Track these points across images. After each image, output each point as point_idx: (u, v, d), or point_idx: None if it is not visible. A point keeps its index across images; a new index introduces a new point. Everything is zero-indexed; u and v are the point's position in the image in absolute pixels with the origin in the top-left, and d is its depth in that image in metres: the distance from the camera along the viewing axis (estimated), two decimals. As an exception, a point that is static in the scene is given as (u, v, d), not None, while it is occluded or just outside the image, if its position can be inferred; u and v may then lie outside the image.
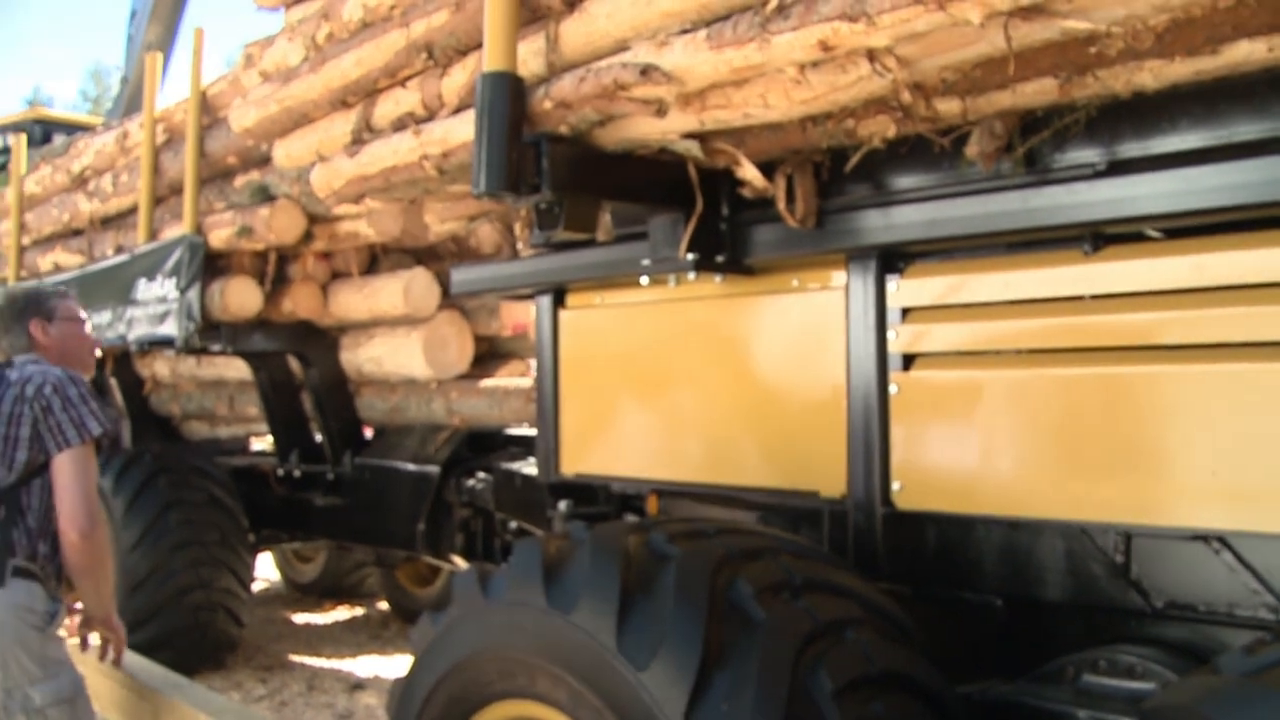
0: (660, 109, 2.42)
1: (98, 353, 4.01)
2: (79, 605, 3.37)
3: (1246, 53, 1.86)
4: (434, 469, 5.99)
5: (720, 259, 2.92)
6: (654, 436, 3.32)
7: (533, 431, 5.82)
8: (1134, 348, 2.31)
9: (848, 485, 2.80)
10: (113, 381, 8.20)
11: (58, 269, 7.82)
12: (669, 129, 2.54)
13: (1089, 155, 2.28)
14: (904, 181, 2.62)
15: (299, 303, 6.28)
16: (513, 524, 5.24)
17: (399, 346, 6.13)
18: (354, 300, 6.24)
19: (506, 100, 2.56)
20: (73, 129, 9.78)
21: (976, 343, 2.57)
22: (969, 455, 2.57)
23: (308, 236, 5.89)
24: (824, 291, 2.88)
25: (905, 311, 2.70)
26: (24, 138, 8.94)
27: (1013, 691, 2.38)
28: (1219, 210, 2.09)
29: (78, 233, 7.79)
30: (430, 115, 3.02)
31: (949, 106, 2.24)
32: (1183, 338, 2.24)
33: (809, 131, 2.50)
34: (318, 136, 3.51)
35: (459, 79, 2.90)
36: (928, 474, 2.66)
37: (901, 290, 2.70)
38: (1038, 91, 2.12)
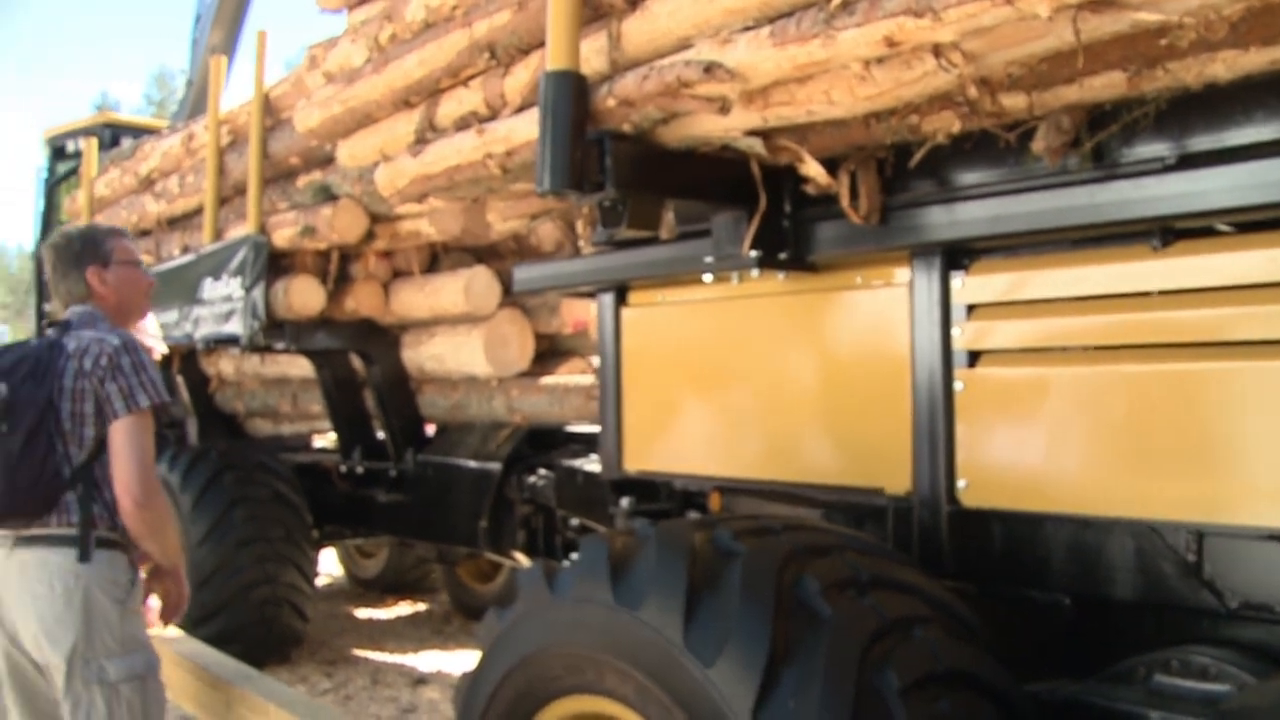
0: (723, 106, 2.42)
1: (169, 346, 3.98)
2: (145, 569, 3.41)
3: (1325, 42, 1.83)
4: (496, 466, 6.02)
5: (783, 256, 2.92)
6: (717, 433, 3.32)
7: (594, 428, 5.84)
8: (1205, 344, 2.28)
9: (912, 482, 2.78)
10: (179, 379, 8.32)
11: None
12: (732, 126, 2.54)
13: (1158, 149, 2.25)
14: (969, 177, 2.60)
15: (361, 301, 6.35)
16: (574, 521, 5.26)
17: (460, 344, 6.17)
18: (415, 298, 6.29)
19: (570, 99, 2.57)
20: (140, 132, 9.92)
21: (1043, 339, 2.55)
22: (1036, 452, 2.55)
23: (370, 235, 5.94)
24: (888, 288, 2.87)
25: (970, 308, 2.68)
26: (94, 142, 9.08)
27: (1082, 691, 2.35)
28: (1293, 204, 2.06)
29: (145, 233, 7.90)
30: (493, 114, 3.04)
31: (1015, 101, 2.22)
32: (1255, 333, 2.20)
33: (872, 128, 2.49)
34: (381, 136, 3.54)
35: (521, 78, 2.92)
36: (994, 471, 2.64)
37: (966, 287, 2.68)
38: (1106, 85, 2.10)
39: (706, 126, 2.58)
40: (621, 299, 3.64)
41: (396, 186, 3.44)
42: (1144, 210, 2.24)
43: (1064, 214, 2.36)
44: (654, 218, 2.84)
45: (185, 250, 7.26)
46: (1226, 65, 1.95)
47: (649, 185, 2.77)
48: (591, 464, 5.00)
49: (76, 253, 3.37)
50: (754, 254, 2.86)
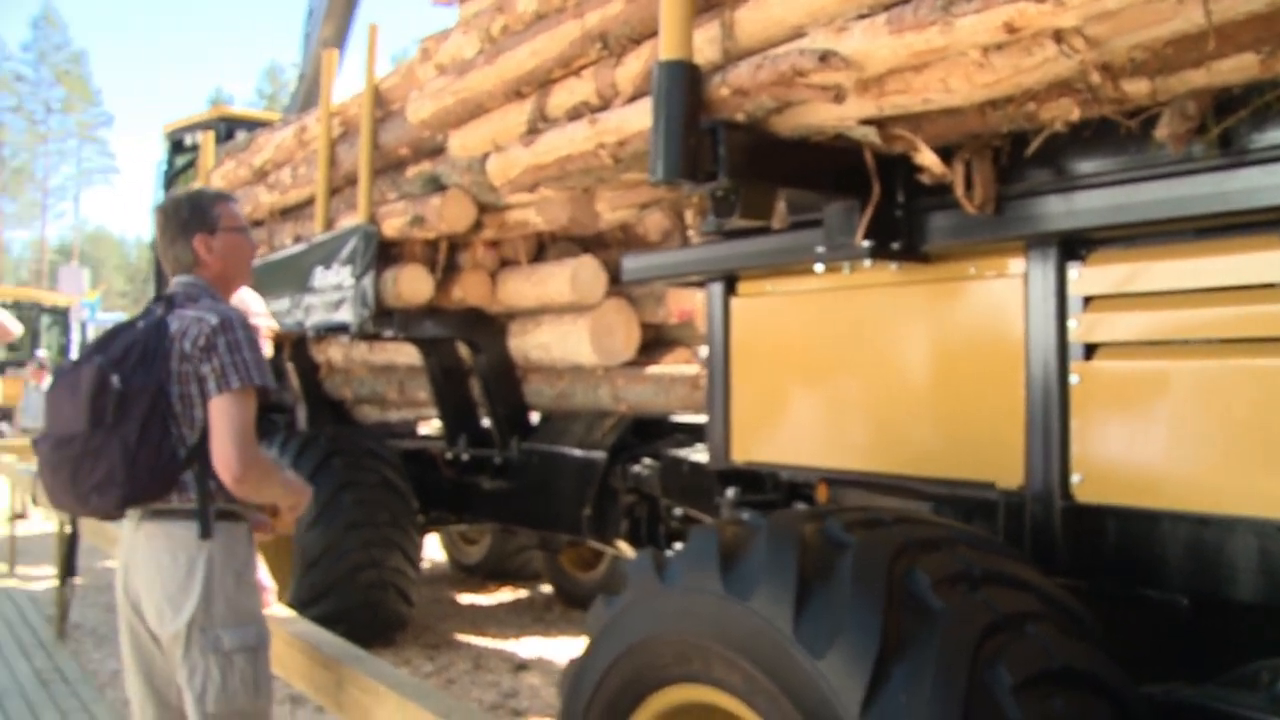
0: (838, 95, 2.40)
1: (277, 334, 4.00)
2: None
3: None
4: (600, 455, 6.05)
5: (896, 246, 2.88)
6: (825, 424, 3.31)
7: (698, 418, 5.83)
8: (1337, 337, 2.21)
9: (1025, 476, 2.74)
10: (289, 366, 8.49)
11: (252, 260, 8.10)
12: (846, 115, 2.52)
13: (1291, 134, 2.18)
14: (1087, 166, 2.54)
15: (469, 290, 6.41)
16: (677, 510, 5.26)
17: (566, 333, 6.20)
18: (522, 288, 6.34)
19: (683, 88, 2.57)
20: (253, 125, 10.13)
21: (1163, 332, 2.49)
22: (1154, 448, 2.49)
23: (478, 225, 5.99)
24: (1002, 279, 2.82)
25: (1087, 300, 2.63)
26: (211, 135, 9.29)
27: (1200, 695, 2.30)
28: None
29: (258, 224, 8.06)
30: (605, 104, 3.05)
31: (1137, 87, 2.17)
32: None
33: (988, 116, 2.45)
34: (493, 127, 3.57)
35: (633, 68, 2.92)
36: (1110, 466, 2.59)
37: (1084, 278, 2.63)
38: (1236, 68, 2.03)
39: (820, 115, 2.56)
40: (731, 289, 3.63)
41: (508, 176, 3.47)
42: (1274, 198, 2.17)
43: (1188, 202, 2.30)
44: (766, 207, 2.82)
45: (297, 240, 7.40)
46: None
47: (762, 174, 2.76)
48: (697, 454, 5.00)
49: (184, 220, 3.38)
50: (867, 244, 2.83)
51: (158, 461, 3.07)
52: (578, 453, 6.26)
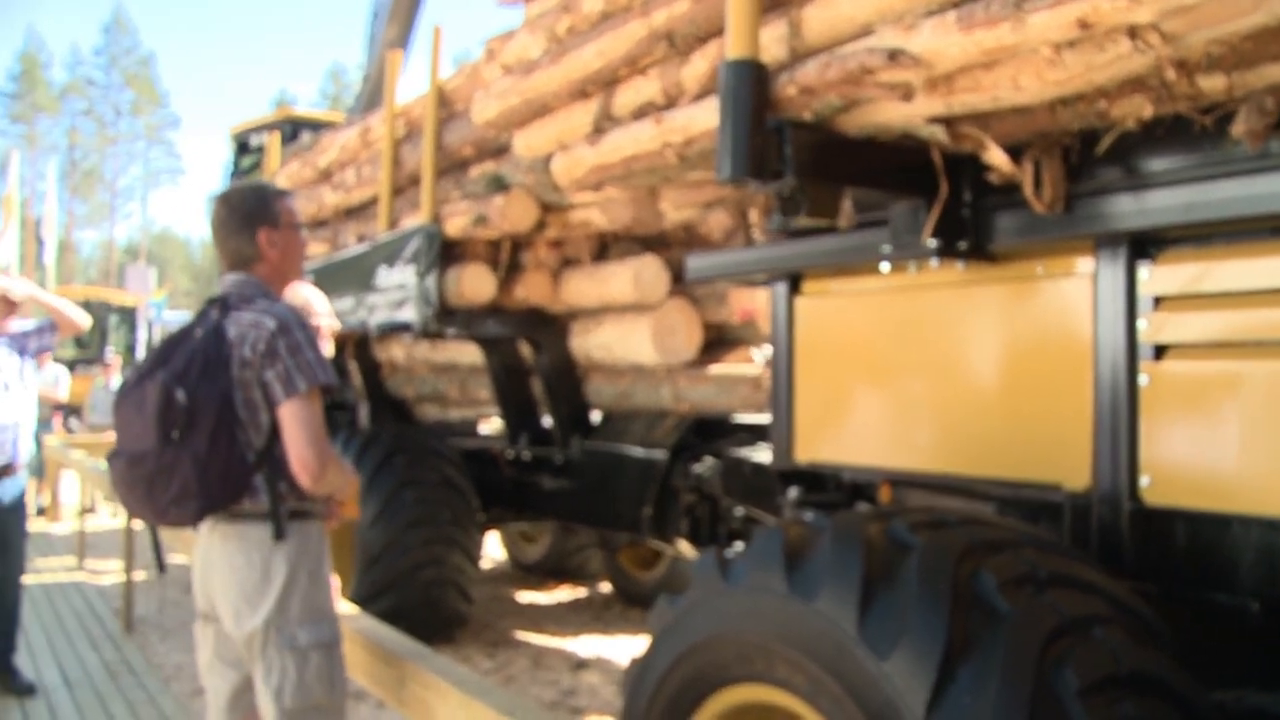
0: (907, 93, 2.39)
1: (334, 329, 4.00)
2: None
3: None
4: (661, 454, 6.05)
5: (963, 246, 2.86)
6: (889, 425, 3.29)
7: (760, 418, 5.82)
8: None
9: (1092, 478, 2.71)
10: (352, 365, 8.56)
11: (305, 256, 8.16)
12: (914, 113, 2.51)
13: (1373, 130, 2.15)
14: (1159, 164, 2.51)
15: (531, 289, 6.44)
16: (738, 510, 5.25)
17: (628, 333, 6.21)
18: (585, 287, 6.35)
19: (750, 87, 2.57)
20: (317, 126, 10.25)
21: (1236, 332, 2.45)
22: (1226, 450, 2.45)
23: (540, 225, 6.01)
24: (1070, 279, 2.79)
25: (1158, 300, 2.59)
26: (277, 136, 9.40)
27: (1273, 702, 2.27)
28: None
29: (322, 223, 8.15)
30: (670, 103, 3.05)
31: (1213, 83, 2.14)
32: None
33: (1058, 114, 2.43)
34: (558, 126, 3.58)
35: (699, 67, 2.93)
36: (1180, 469, 2.55)
37: (1154, 277, 2.60)
38: (1317, 63, 2.01)
39: (888, 114, 2.55)
40: (795, 288, 3.62)
41: (573, 176, 3.48)
42: (1353, 197, 2.14)
43: (1265, 200, 2.26)
44: (833, 206, 2.81)
45: (361, 239, 7.46)
46: None
47: (828, 173, 2.75)
48: (758, 453, 4.99)
49: (249, 212, 3.37)
50: (933, 243, 2.81)
51: (229, 470, 3.09)
52: (639, 452, 6.26)
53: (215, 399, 3.07)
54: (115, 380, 14.89)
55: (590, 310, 6.53)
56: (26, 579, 6.09)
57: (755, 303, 6.01)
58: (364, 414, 8.75)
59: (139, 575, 8.36)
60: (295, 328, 3.20)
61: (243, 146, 11.38)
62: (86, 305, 22.39)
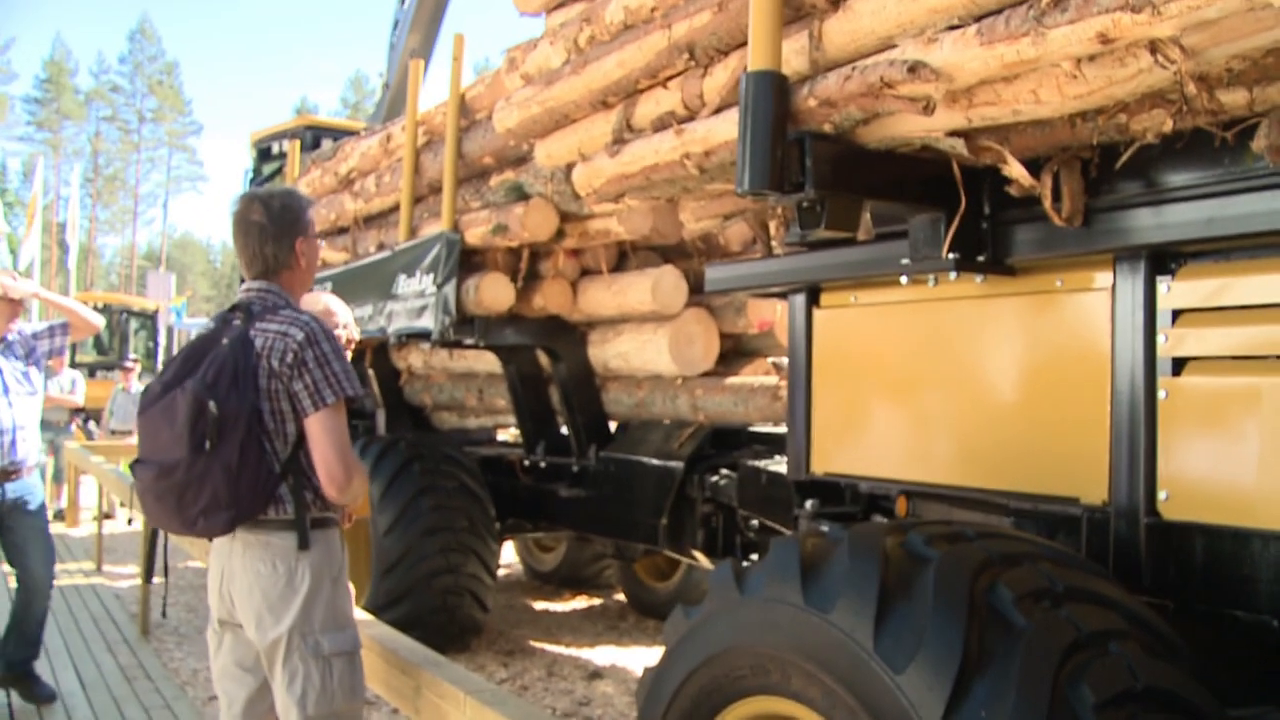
0: (927, 106, 2.39)
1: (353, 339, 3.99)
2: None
3: None
4: (678, 464, 6.04)
5: (982, 259, 2.87)
6: (907, 437, 3.29)
7: (777, 429, 5.81)
8: None
9: (1110, 492, 2.71)
10: (370, 372, 8.58)
11: (324, 265, 8.21)
12: (934, 126, 2.51)
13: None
14: (1179, 178, 2.51)
15: (549, 298, 6.45)
16: (754, 521, 5.24)
17: (646, 343, 6.21)
18: (603, 297, 6.37)
19: (771, 99, 2.58)
20: (338, 134, 10.28)
21: (1256, 347, 2.44)
22: (1244, 465, 2.44)
23: (559, 234, 6.04)
24: (1089, 292, 2.79)
25: (1176, 314, 2.59)
26: (297, 144, 9.44)
27: (1290, 717, 2.26)
28: None
29: (343, 230, 8.17)
30: (691, 115, 3.06)
31: (1234, 97, 2.14)
32: None
33: (1078, 127, 2.43)
34: (578, 136, 3.60)
35: (720, 78, 2.93)
36: (1198, 483, 2.54)
37: (1173, 292, 2.59)
38: (1340, 78, 2.00)
39: (908, 127, 2.55)
40: (814, 300, 3.62)
41: (593, 186, 3.49)
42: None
43: (1286, 216, 2.26)
44: (852, 218, 2.81)
45: (381, 247, 7.49)
46: None
47: (848, 186, 2.75)
48: (775, 465, 4.98)
49: (291, 220, 3.36)
50: (952, 256, 2.82)
51: (257, 480, 3.09)
52: (655, 462, 6.26)
53: (245, 409, 3.07)
54: (135, 385, 14.96)
55: (608, 320, 6.54)
56: (45, 582, 6.07)
57: (773, 313, 6.01)
58: (382, 421, 8.77)
59: (157, 579, 8.38)
60: (322, 339, 3.20)
61: (263, 153, 11.43)
62: (107, 310, 22.53)
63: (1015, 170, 2.59)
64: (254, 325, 3.21)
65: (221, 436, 3.02)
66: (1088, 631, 2.08)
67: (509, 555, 10.25)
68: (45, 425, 6.24)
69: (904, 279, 3.08)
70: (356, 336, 4.06)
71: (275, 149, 11.04)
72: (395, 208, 7.34)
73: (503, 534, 7.79)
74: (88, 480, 13.51)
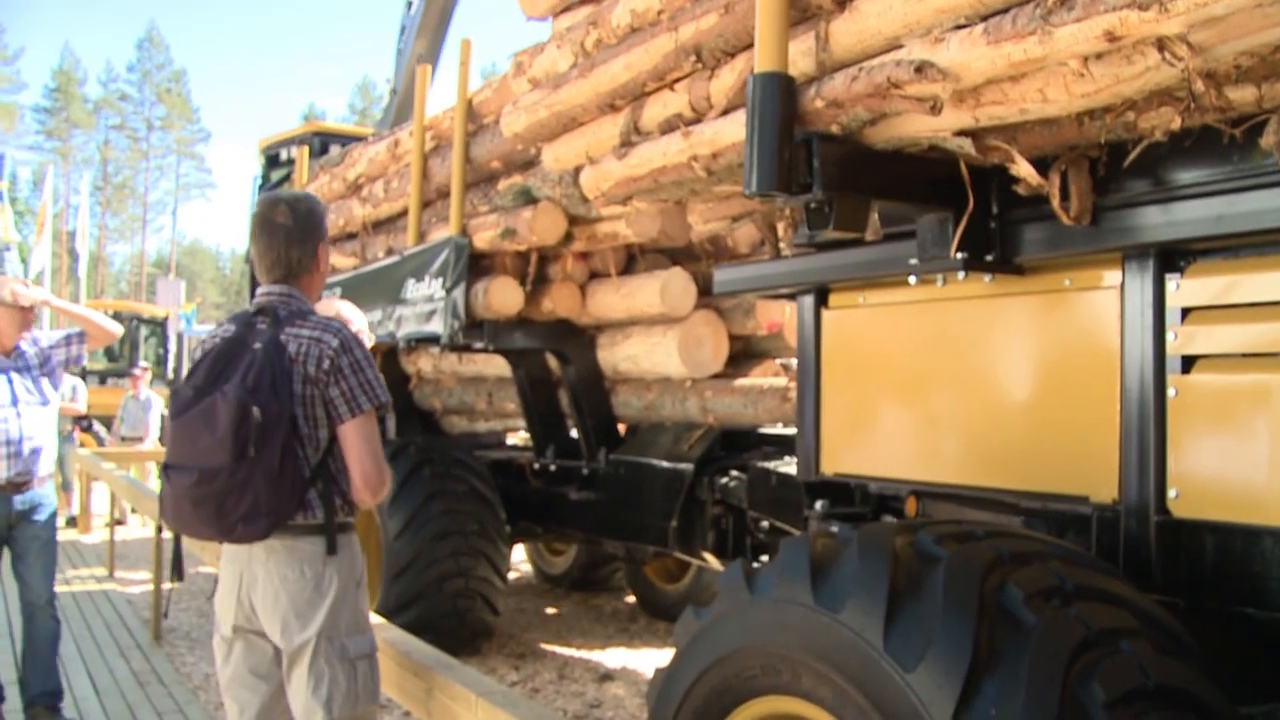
0: (934, 106, 2.38)
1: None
2: None
3: None
4: (687, 466, 6.05)
5: (990, 258, 2.87)
6: (916, 437, 3.29)
7: (786, 431, 5.82)
8: None
9: (1120, 491, 2.70)
10: (380, 377, 8.57)
11: (334, 271, 8.23)
12: (942, 126, 2.51)
13: (1406, 141, 2.13)
14: (1188, 175, 2.50)
15: (558, 302, 6.46)
16: (764, 522, 5.25)
17: (655, 345, 6.22)
18: (612, 300, 6.37)
19: (778, 100, 2.58)
20: (346, 140, 10.30)
21: (1265, 344, 2.43)
22: (1255, 463, 2.44)
23: (568, 237, 6.05)
24: (1098, 291, 2.79)
25: (1186, 312, 2.59)
26: (306, 150, 9.46)
27: (1302, 715, 2.25)
28: None
29: (351, 236, 8.19)
30: (698, 117, 3.06)
31: (1242, 94, 2.13)
32: None
33: (1086, 126, 2.42)
34: (586, 140, 3.60)
35: (727, 80, 2.93)
36: (1208, 481, 2.54)
37: (1182, 290, 2.59)
38: (1349, 74, 2.00)
39: (916, 127, 2.55)
40: (822, 301, 3.63)
41: (601, 189, 3.49)
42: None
43: (1295, 213, 2.25)
44: (860, 219, 2.81)
45: (389, 252, 7.51)
46: None
47: (856, 186, 2.75)
48: (785, 466, 4.98)
49: (315, 224, 3.37)
50: (961, 256, 2.82)
51: (294, 485, 3.09)
52: (665, 464, 6.27)
53: (284, 417, 3.07)
54: (145, 392, 14.98)
55: (617, 322, 6.55)
56: (57, 588, 5.99)
57: (782, 315, 6.01)
58: (392, 426, 8.78)
59: (168, 585, 8.40)
60: (355, 346, 3.24)
61: (271, 160, 11.45)
62: (117, 318, 22.54)
63: (1023, 169, 2.58)
64: (283, 330, 3.21)
65: (264, 442, 3.01)
66: (1098, 630, 2.08)
67: (519, 558, 10.26)
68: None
69: (912, 279, 3.08)
70: (370, 342, 4.08)
71: (284, 155, 11.06)
72: (404, 213, 7.35)
73: (513, 537, 7.81)
74: (100, 487, 13.54)
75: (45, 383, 5.83)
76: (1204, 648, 2.24)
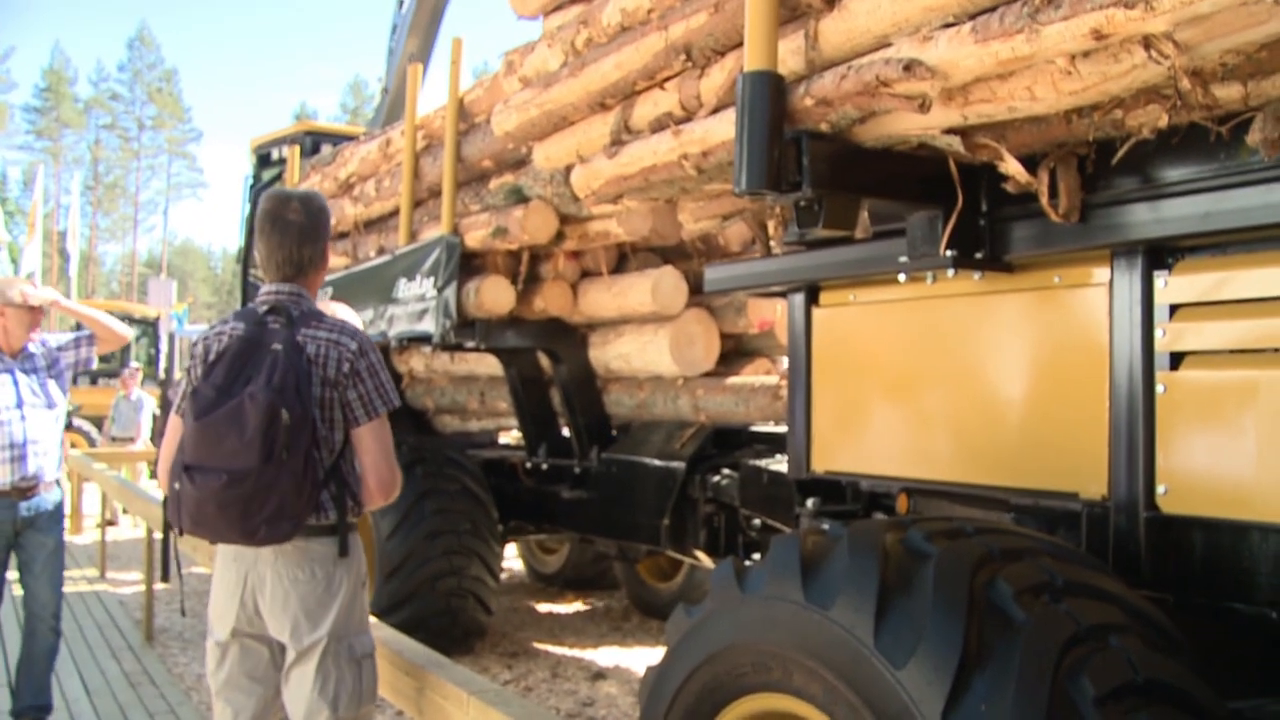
0: (923, 104, 2.39)
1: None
2: None
3: None
4: (679, 465, 6.05)
5: (979, 256, 2.87)
6: (907, 435, 3.29)
7: (778, 429, 5.82)
8: None
9: (1109, 487, 2.71)
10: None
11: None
12: (930, 124, 2.51)
13: (1391, 138, 2.14)
14: (1175, 173, 2.51)
15: (550, 301, 6.46)
16: (756, 520, 5.25)
17: (647, 344, 6.22)
18: (603, 298, 6.38)
19: (768, 99, 2.59)
20: (338, 139, 10.29)
21: (1253, 340, 2.44)
22: (1243, 459, 2.45)
23: (559, 236, 6.05)
24: (1087, 288, 2.80)
25: (1174, 308, 2.60)
26: (297, 149, 9.44)
27: (1291, 710, 2.26)
28: None
29: (343, 235, 8.18)
30: (688, 116, 3.07)
31: (1229, 92, 2.14)
32: None
33: (1074, 123, 2.43)
34: (576, 138, 3.61)
35: (717, 79, 2.94)
36: (1196, 477, 2.55)
37: (1171, 286, 2.60)
38: (1334, 72, 2.01)
39: (905, 125, 2.56)
40: (813, 299, 3.63)
41: (591, 187, 3.50)
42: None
43: (1281, 209, 2.26)
44: (850, 217, 2.82)
45: (381, 251, 7.50)
46: None
47: (845, 184, 2.76)
48: (777, 464, 4.99)
49: (325, 221, 3.36)
50: (950, 254, 2.82)
51: (313, 487, 3.07)
52: (657, 463, 6.27)
53: (310, 418, 3.05)
54: (136, 392, 14.95)
55: (609, 321, 6.55)
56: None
57: (773, 313, 6.02)
58: (385, 426, 8.75)
59: (160, 585, 8.40)
60: (371, 349, 3.25)
61: (263, 159, 11.43)
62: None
63: (1012, 167, 2.59)
64: (299, 331, 3.18)
65: (292, 444, 2.98)
66: (1087, 625, 2.08)
67: (512, 557, 10.26)
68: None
69: (902, 277, 3.09)
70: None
71: (275, 155, 11.04)
72: (395, 212, 7.35)
73: (505, 536, 7.80)
74: (91, 487, 13.52)
75: (52, 385, 5.69)
76: (1193, 643, 2.25)
